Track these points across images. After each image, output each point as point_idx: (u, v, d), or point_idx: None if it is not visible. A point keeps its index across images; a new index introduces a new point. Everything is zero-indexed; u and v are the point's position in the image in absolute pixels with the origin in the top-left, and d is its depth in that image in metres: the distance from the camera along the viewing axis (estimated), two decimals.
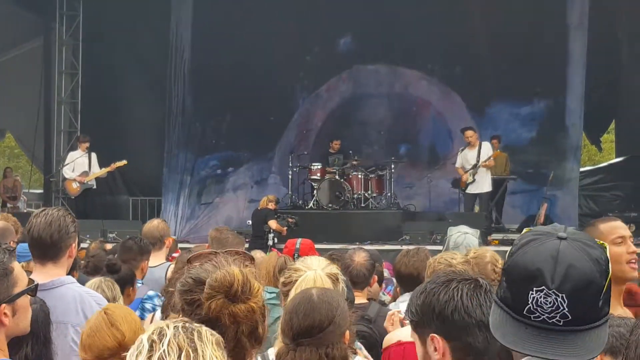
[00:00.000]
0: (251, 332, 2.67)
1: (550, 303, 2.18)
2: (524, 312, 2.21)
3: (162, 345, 2.21)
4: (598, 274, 2.21)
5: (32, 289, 3.43)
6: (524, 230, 2.42)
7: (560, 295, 2.17)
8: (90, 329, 3.80)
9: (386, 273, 8.45)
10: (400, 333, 4.76)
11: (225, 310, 2.62)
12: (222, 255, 2.86)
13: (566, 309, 2.17)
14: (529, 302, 2.20)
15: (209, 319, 2.62)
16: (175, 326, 2.26)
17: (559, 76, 20.15)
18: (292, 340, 3.74)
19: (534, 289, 2.19)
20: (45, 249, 4.59)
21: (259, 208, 18.04)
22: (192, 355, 2.21)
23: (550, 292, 2.18)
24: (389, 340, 4.79)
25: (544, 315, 2.19)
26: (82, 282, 5.19)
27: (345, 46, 22.18)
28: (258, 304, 2.67)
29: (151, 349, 2.21)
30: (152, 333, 2.25)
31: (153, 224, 8.01)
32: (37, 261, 4.63)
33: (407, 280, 5.89)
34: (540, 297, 2.18)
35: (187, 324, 2.29)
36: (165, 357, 2.19)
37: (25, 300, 3.38)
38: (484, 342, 2.67)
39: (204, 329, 2.29)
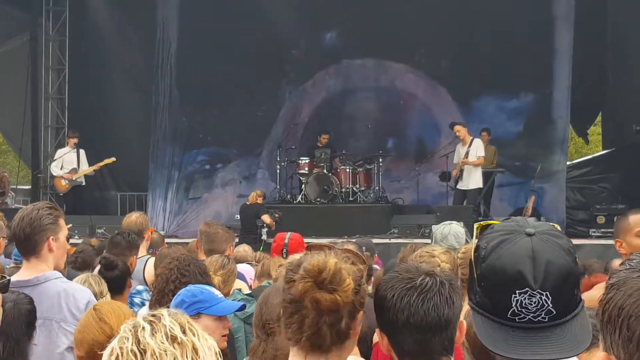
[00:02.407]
0: (333, 324, 2.66)
1: (535, 303, 2.16)
2: (508, 316, 2.19)
3: (165, 321, 2.29)
4: (573, 264, 2.21)
5: (5, 285, 3.43)
6: (475, 226, 2.37)
7: (544, 293, 2.15)
8: (80, 325, 3.84)
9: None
10: None
11: (310, 294, 2.64)
12: (334, 250, 2.89)
13: (550, 305, 2.16)
14: (513, 305, 2.17)
15: (296, 300, 2.67)
16: (169, 311, 2.37)
17: (546, 69, 20.19)
18: (262, 331, 3.79)
19: (517, 291, 2.16)
20: (22, 244, 4.62)
21: (248, 203, 18.05)
22: (194, 330, 2.31)
23: (534, 292, 2.15)
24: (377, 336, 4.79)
25: (529, 315, 2.17)
26: (71, 278, 5.20)
27: (331, 40, 22.15)
28: (345, 299, 2.66)
29: (153, 325, 2.27)
30: (146, 317, 2.33)
31: (131, 219, 8.01)
32: (23, 257, 4.68)
33: None
34: (525, 299, 2.16)
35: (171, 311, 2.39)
36: (174, 330, 2.27)
37: None
38: (415, 345, 2.63)
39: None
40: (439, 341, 2.61)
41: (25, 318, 3.81)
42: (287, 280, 2.74)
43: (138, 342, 2.24)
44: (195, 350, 2.27)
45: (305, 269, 2.67)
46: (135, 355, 2.22)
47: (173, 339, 2.25)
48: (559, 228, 2.32)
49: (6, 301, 3.58)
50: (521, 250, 2.20)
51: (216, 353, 2.35)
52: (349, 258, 2.77)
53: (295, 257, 2.85)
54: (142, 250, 7.82)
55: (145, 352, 2.22)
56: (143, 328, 2.26)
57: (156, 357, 2.22)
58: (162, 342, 2.23)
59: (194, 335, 2.30)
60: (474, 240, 2.33)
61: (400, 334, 2.64)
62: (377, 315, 2.74)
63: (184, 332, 2.28)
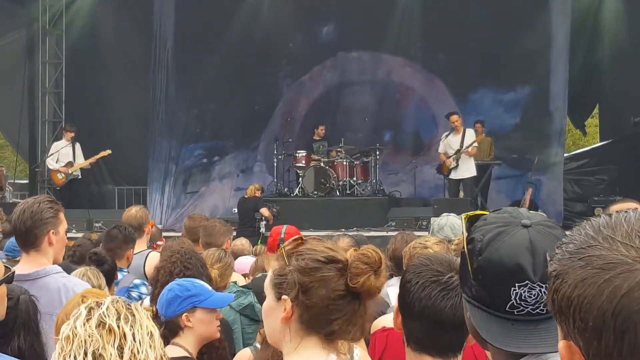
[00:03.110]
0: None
1: (534, 296, 2.13)
2: (506, 309, 2.16)
3: (101, 309, 2.46)
4: None
5: (10, 277, 3.44)
6: (462, 217, 2.33)
7: (543, 286, 2.11)
8: (65, 314, 3.85)
9: None
10: (386, 318, 4.77)
11: (375, 284, 2.64)
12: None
13: None
14: (512, 299, 2.14)
15: (349, 293, 2.64)
16: (112, 299, 2.55)
17: (543, 61, 20.17)
18: None
19: (516, 284, 2.13)
20: (22, 237, 4.61)
21: (246, 196, 18.04)
22: (130, 318, 2.46)
23: (534, 285, 2.12)
24: (375, 325, 4.80)
25: (528, 308, 2.14)
26: (69, 271, 5.21)
27: (328, 34, 22.14)
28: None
29: (89, 313, 2.46)
30: (88, 304, 2.51)
31: (131, 213, 7.96)
32: (22, 250, 4.67)
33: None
34: (524, 292, 2.13)
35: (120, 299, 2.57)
36: (105, 317, 2.43)
37: (2, 289, 3.40)
38: (423, 335, 2.68)
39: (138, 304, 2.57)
40: (448, 338, 2.65)
41: (38, 310, 3.83)
42: (320, 278, 2.67)
43: (74, 328, 2.43)
44: (124, 337, 2.41)
45: (365, 262, 2.64)
46: (69, 340, 2.41)
47: (102, 326, 2.41)
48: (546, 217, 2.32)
49: (18, 294, 3.60)
50: (519, 243, 2.16)
51: (153, 340, 2.49)
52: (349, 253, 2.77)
53: (313, 245, 2.77)
54: (143, 245, 7.79)
55: (76, 337, 2.41)
56: (80, 314, 2.45)
57: (82, 342, 2.39)
58: (91, 329, 2.40)
59: (126, 323, 2.44)
60: (464, 232, 2.31)
61: (414, 320, 2.70)
62: (399, 294, 2.79)
63: (118, 319, 2.44)
